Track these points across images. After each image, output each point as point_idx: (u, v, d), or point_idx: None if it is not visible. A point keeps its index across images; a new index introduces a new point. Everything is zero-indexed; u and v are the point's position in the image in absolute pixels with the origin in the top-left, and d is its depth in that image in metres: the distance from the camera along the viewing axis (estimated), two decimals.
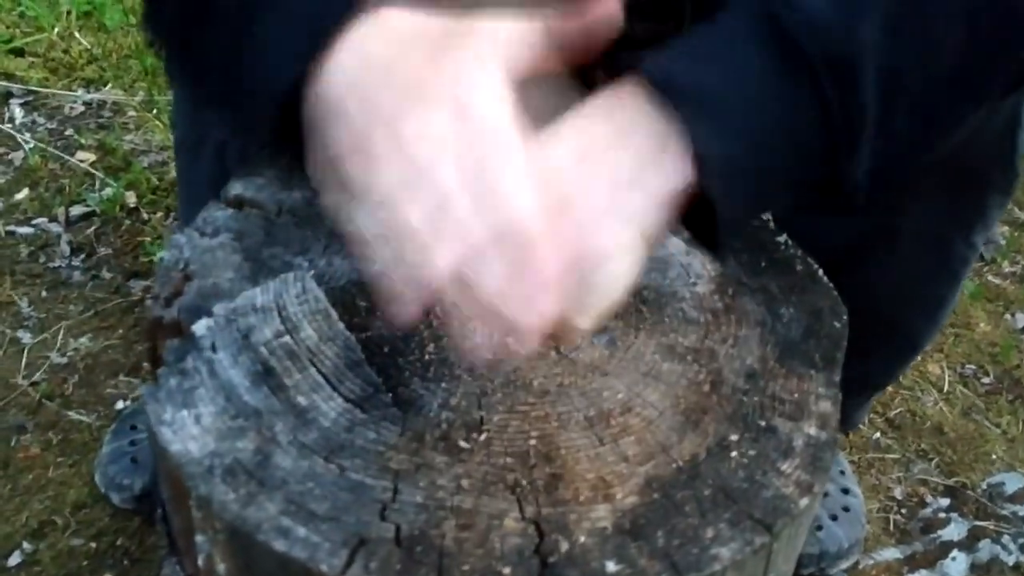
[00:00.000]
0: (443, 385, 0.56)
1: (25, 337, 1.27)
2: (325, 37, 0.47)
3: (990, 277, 1.58)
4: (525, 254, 0.45)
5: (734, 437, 0.54)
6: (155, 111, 1.68)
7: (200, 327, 0.57)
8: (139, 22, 1.57)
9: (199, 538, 0.50)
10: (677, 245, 0.67)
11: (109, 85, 1.75)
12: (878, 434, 1.30)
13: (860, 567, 1.13)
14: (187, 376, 0.54)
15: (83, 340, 1.28)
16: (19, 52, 1.78)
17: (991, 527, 1.20)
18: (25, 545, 1.05)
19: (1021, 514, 1.22)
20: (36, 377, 1.22)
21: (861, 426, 1.27)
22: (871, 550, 1.16)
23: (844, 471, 1.18)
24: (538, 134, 0.48)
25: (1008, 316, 1.51)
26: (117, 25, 1.86)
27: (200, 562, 0.52)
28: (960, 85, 0.52)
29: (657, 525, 0.49)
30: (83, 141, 1.61)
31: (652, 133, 0.48)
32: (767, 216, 0.71)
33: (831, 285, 0.65)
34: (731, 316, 0.62)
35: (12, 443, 1.14)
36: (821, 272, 0.66)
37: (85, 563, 1.04)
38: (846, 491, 1.15)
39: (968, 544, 1.18)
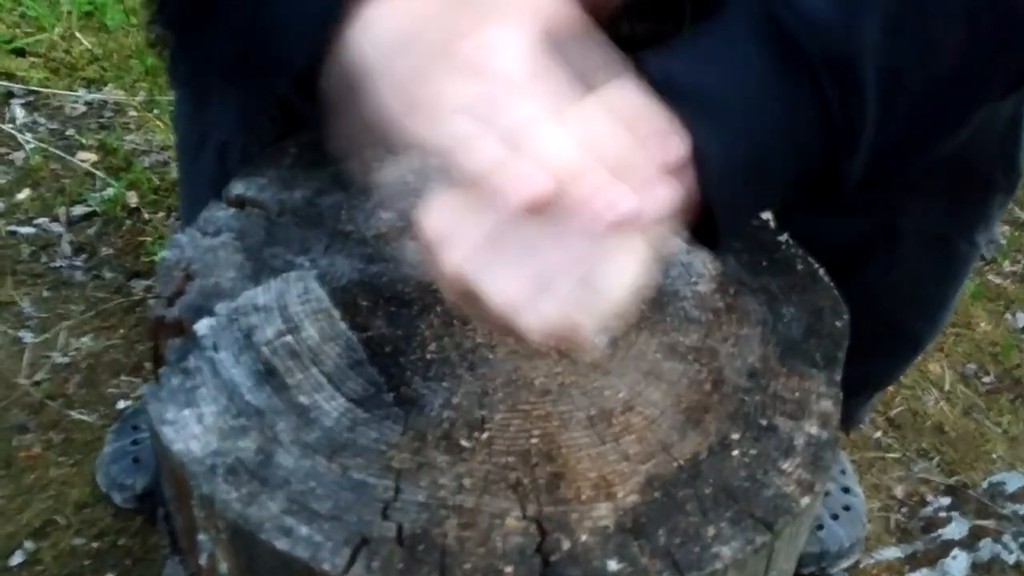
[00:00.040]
0: (445, 384, 0.56)
1: (27, 337, 1.27)
2: (343, 7, 0.48)
3: (991, 277, 1.58)
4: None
5: (735, 436, 0.54)
6: (156, 111, 1.68)
7: (202, 326, 0.57)
8: (143, 17, 1.57)
9: (201, 537, 0.51)
10: (678, 245, 0.67)
11: (110, 85, 1.75)
12: (879, 433, 1.30)
13: (861, 566, 1.13)
14: (189, 375, 0.54)
15: (85, 340, 1.28)
16: (20, 52, 1.79)
17: (992, 526, 1.20)
18: (27, 545, 1.05)
19: (1022, 513, 1.22)
20: (38, 377, 1.22)
21: (862, 425, 1.27)
22: (872, 549, 1.16)
23: (845, 470, 1.18)
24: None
25: (1009, 316, 1.51)
26: (118, 25, 1.86)
27: (202, 561, 0.52)
28: (960, 85, 0.52)
29: (658, 524, 0.49)
30: (84, 141, 1.61)
31: None
32: (768, 216, 0.71)
33: (832, 285, 0.66)
34: (732, 315, 0.62)
35: (14, 443, 1.15)
36: (822, 272, 0.67)
37: (87, 563, 1.04)
38: (847, 490, 1.15)
39: (969, 543, 1.18)
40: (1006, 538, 1.18)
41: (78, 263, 1.39)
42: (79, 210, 1.48)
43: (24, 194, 1.50)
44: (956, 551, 1.16)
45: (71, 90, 1.72)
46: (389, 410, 0.54)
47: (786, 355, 0.60)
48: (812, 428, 0.55)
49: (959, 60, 0.51)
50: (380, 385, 0.55)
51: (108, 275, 1.38)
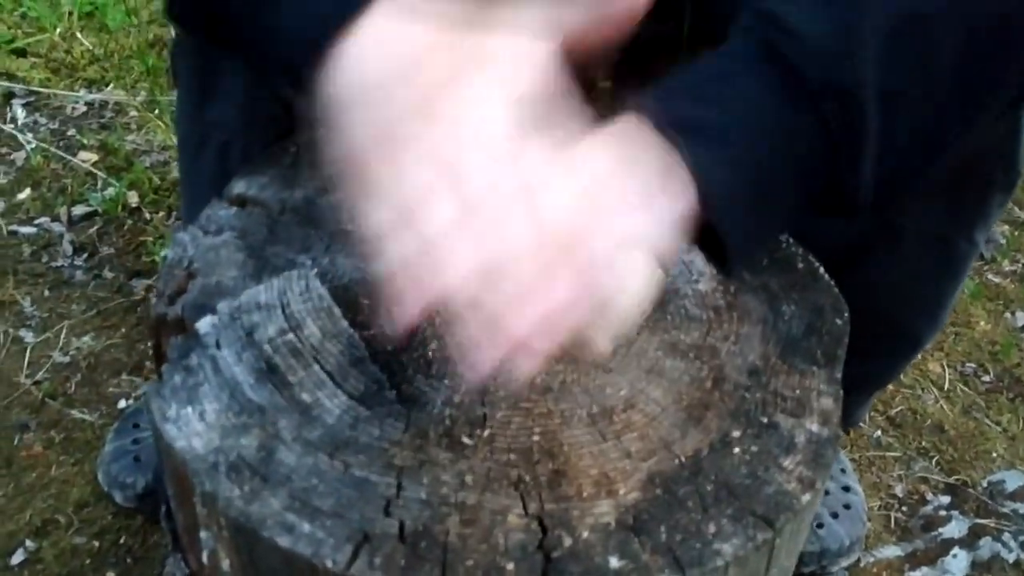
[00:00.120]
0: (446, 382, 0.56)
1: (28, 336, 1.28)
2: (342, 22, 0.48)
3: (990, 276, 1.58)
4: (533, 280, 0.45)
5: (736, 433, 0.54)
6: (157, 111, 1.68)
7: (204, 324, 0.57)
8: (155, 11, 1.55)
9: (203, 534, 0.51)
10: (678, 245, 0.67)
11: (111, 85, 1.75)
12: (879, 432, 1.30)
13: (861, 565, 1.14)
14: (191, 373, 0.54)
15: (85, 339, 1.28)
16: (21, 52, 1.79)
17: (992, 525, 1.20)
18: (28, 544, 1.05)
19: (1022, 512, 1.22)
20: (39, 376, 1.23)
21: (862, 424, 1.27)
22: (872, 548, 1.16)
23: (845, 469, 1.18)
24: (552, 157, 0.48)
25: (1008, 315, 1.51)
26: (119, 25, 1.86)
27: (204, 558, 0.52)
28: (961, 102, 0.52)
29: (660, 521, 0.49)
30: (85, 141, 1.61)
31: (657, 161, 0.49)
32: None
33: (832, 283, 0.66)
34: (733, 313, 0.62)
35: (15, 442, 1.15)
36: (822, 270, 0.67)
37: (88, 561, 1.04)
38: (847, 489, 1.15)
39: (969, 542, 1.18)
40: (1006, 536, 1.19)
41: (79, 263, 1.40)
42: (80, 210, 1.48)
43: (25, 194, 1.50)
44: (956, 549, 1.17)
45: (72, 90, 1.73)
46: (391, 407, 0.54)
47: (787, 353, 0.60)
48: (813, 425, 0.55)
49: (959, 78, 0.51)
50: (382, 383, 0.55)
51: (109, 275, 1.38)
